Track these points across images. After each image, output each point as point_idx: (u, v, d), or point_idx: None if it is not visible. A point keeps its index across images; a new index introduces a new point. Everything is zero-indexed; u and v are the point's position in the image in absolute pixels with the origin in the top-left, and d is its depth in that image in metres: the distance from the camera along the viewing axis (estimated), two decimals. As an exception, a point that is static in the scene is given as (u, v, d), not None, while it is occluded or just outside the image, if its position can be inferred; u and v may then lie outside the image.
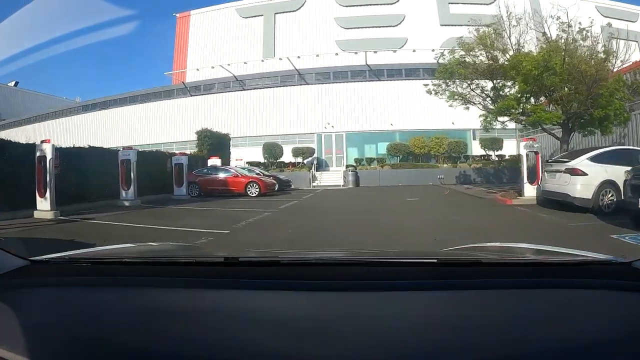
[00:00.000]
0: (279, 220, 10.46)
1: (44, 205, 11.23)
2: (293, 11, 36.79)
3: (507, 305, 1.14)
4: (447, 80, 15.64)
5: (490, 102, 15.51)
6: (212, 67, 35.17)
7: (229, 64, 34.55)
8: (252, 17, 37.31)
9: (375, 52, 33.45)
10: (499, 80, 15.06)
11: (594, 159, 10.52)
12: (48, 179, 11.30)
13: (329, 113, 33.13)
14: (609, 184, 9.92)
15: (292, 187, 23.93)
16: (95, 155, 15.46)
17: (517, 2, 16.09)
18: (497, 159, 30.14)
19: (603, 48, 13.94)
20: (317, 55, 33.80)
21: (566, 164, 10.97)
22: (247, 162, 28.20)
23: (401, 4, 35.73)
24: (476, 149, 31.84)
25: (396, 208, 12.93)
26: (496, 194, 16.79)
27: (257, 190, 17.97)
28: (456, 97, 15.43)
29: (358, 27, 35.47)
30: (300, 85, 34.47)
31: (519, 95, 13.99)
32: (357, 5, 35.81)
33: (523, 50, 14.59)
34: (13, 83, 58.54)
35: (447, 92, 15.97)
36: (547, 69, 12.68)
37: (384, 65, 33.89)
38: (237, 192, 18.11)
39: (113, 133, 37.09)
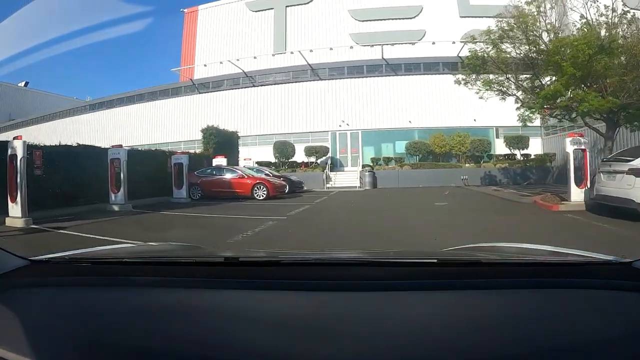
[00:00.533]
0: (285, 232, 8.64)
1: (15, 212, 9.73)
2: (305, 4, 34.96)
3: (507, 305, 1.13)
4: (480, 67, 13.68)
5: (527, 92, 13.58)
6: (221, 63, 33.64)
7: (237, 59, 33.07)
8: (262, 10, 35.61)
9: (392, 44, 31.68)
10: (538, 67, 13.11)
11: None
12: (19, 180, 9.76)
13: (343, 110, 31.38)
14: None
15: (305, 188, 22.27)
16: (85, 154, 13.97)
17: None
18: (522, 158, 28.27)
19: None
20: (331, 49, 31.95)
21: (630, 163, 8.96)
22: (256, 162, 27.05)
23: (419, -6, 33.72)
24: (499, 148, 29.98)
25: (428, 216, 10.78)
26: (530, 196, 15.12)
27: (265, 192, 16.26)
28: (493, 85, 13.45)
29: (373, 20, 33.49)
30: (313, 80, 32.77)
31: (564, 83, 12.00)
32: (372, -3, 33.91)
33: (562, 34, 12.82)
34: (23, 83, 58.66)
35: (478, 82, 14.02)
36: (602, 49, 10.79)
37: (401, 59, 32.06)
38: (243, 195, 16.44)
39: (119, 132, 36.30)
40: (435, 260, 1.36)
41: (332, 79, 32.56)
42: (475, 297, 1.17)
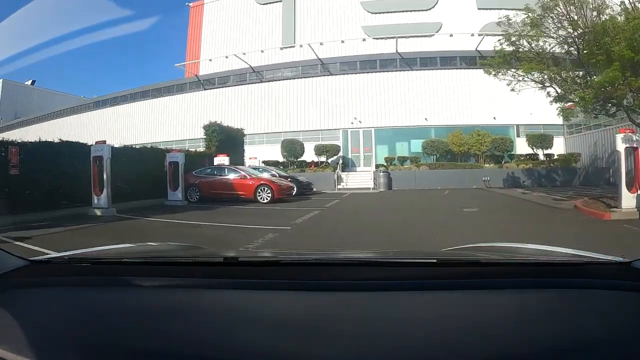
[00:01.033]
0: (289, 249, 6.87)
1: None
2: (315, -5, 33.31)
3: (507, 305, 1.14)
4: (512, 55, 11.95)
5: (570, 82, 11.78)
6: (227, 57, 32.09)
7: (244, 53, 31.55)
8: (270, 3, 33.95)
9: (407, 36, 29.98)
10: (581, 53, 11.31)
11: None
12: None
13: (355, 107, 29.65)
14: None
15: (314, 190, 20.67)
16: (68, 151, 12.48)
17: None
18: (545, 158, 26.58)
19: None
20: (342, 42, 30.26)
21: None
22: (263, 162, 25.74)
23: (434, -15, 31.98)
24: (520, 147, 28.27)
25: (459, 226, 8.88)
26: (565, 201, 13.57)
27: (270, 195, 14.64)
28: (533, 72, 11.61)
29: (387, 12, 31.72)
30: (324, 76, 31.11)
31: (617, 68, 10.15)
32: (385, -13, 32.19)
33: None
34: (30, 82, 58.46)
35: (512, 70, 12.25)
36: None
37: (416, 53, 30.35)
38: (245, 197, 14.87)
39: (124, 130, 35.63)
40: (435, 261, 1.38)
41: (344, 74, 30.94)
42: (474, 297, 1.16)
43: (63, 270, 1.47)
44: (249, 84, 32.82)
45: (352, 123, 29.64)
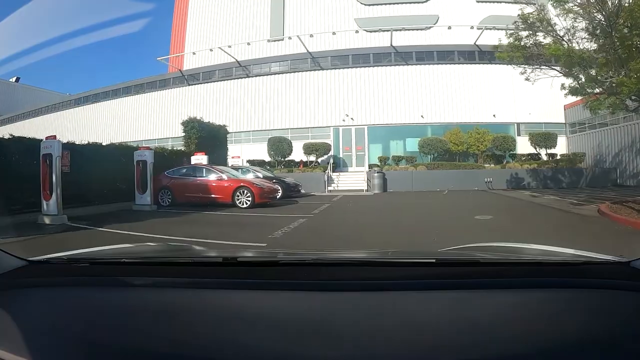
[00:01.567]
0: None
1: None
2: (305, -16, 31.70)
3: (506, 305, 1.12)
4: (531, 36, 10.30)
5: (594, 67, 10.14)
6: (211, 50, 30.37)
7: (229, 46, 29.85)
8: (257, -8, 32.30)
9: (402, 29, 28.49)
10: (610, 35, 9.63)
11: None
12: None
13: (347, 103, 28.29)
14: None
15: (303, 192, 19.07)
16: (18, 149, 10.63)
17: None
18: (547, 158, 25.49)
19: None
20: (334, 34, 28.73)
21: None
22: (247, 161, 24.13)
23: (431, -24, 30.60)
24: (521, 147, 26.98)
25: (476, 239, 7.26)
26: (583, 205, 12.22)
27: (250, 199, 12.84)
28: (559, 54, 9.89)
29: (381, 4, 30.24)
30: (314, 70, 29.53)
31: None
32: (379, -22, 30.73)
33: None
34: (14, 79, 57.44)
35: (535, 50, 10.59)
36: None
37: (412, 46, 28.96)
38: (222, 202, 13.06)
39: (105, 128, 34.08)
40: (434, 260, 1.36)
41: (335, 68, 29.40)
42: (473, 297, 1.15)
43: (62, 271, 1.45)
44: (234, 79, 31.19)
45: (343, 120, 28.20)
